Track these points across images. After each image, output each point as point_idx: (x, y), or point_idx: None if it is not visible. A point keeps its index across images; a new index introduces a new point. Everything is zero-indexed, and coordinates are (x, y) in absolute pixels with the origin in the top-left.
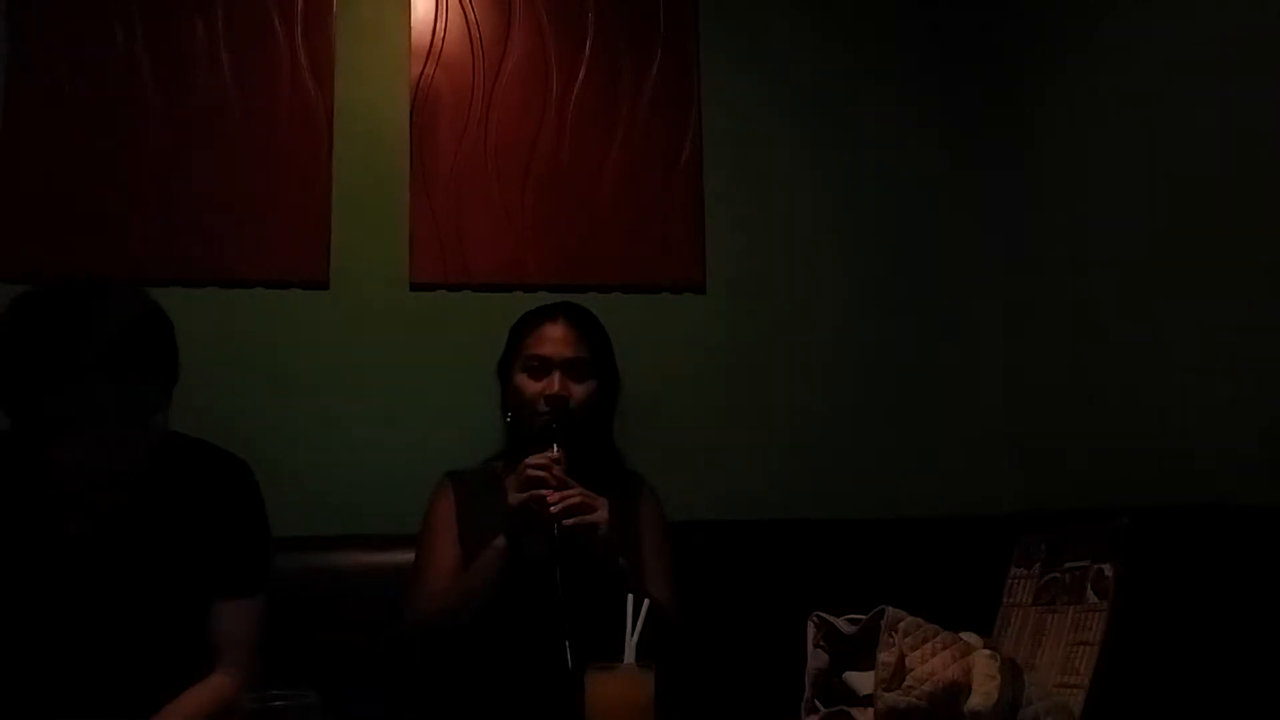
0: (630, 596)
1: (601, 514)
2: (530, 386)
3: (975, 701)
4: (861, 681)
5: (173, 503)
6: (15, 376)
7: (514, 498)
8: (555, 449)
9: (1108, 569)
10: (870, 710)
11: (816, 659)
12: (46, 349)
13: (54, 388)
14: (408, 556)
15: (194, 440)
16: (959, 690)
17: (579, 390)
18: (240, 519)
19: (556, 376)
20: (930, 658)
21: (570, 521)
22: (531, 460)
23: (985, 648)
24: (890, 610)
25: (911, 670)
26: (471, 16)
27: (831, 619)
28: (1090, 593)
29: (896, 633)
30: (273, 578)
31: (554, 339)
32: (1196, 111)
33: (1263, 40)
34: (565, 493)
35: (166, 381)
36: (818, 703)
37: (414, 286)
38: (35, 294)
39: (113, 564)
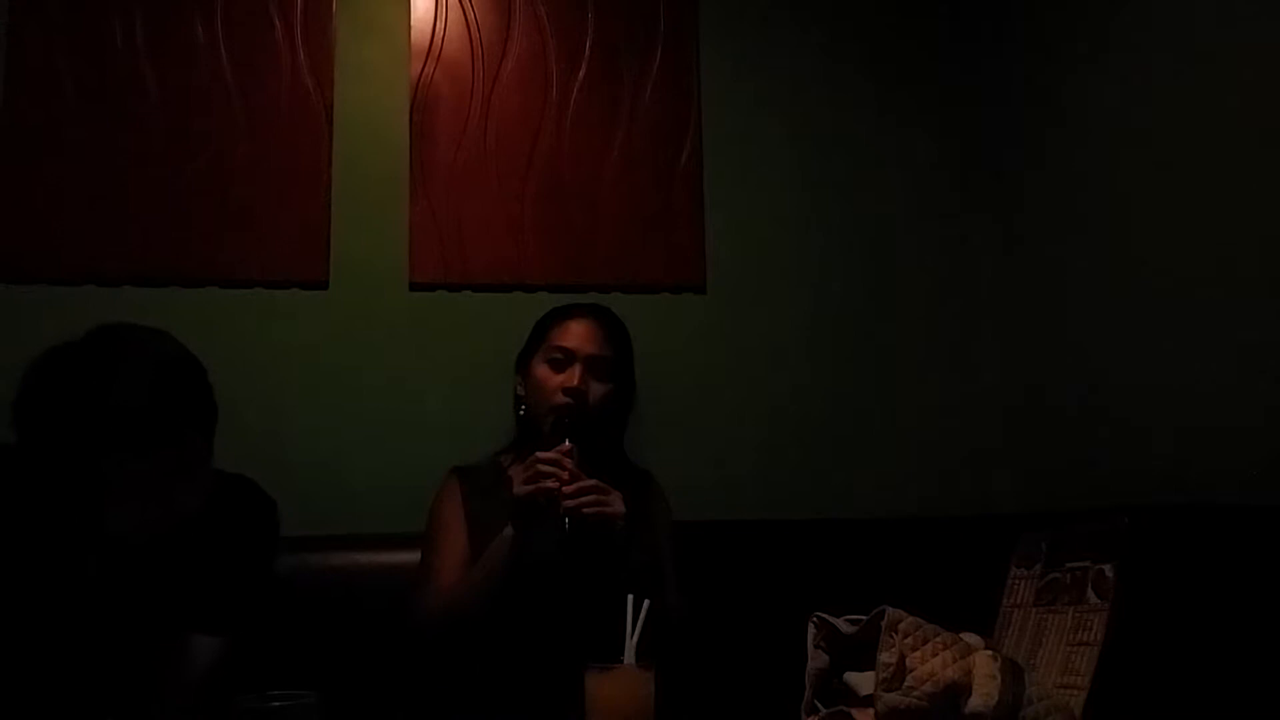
0: (630, 597)
1: (618, 506)
2: (551, 379)
3: (976, 702)
4: (862, 682)
5: (194, 540)
6: (49, 448)
7: (520, 489)
8: (567, 443)
9: (1109, 569)
10: (870, 711)
11: (816, 659)
12: (81, 415)
13: (92, 460)
14: (407, 556)
15: (232, 476)
16: (959, 691)
17: (598, 389)
18: (229, 555)
19: (578, 370)
20: (931, 658)
21: (589, 510)
22: (542, 454)
23: (986, 648)
24: (891, 610)
25: (912, 671)
26: (471, 15)
27: (832, 619)
28: (1091, 593)
29: (897, 633)
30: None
31: (581, 334)
32: (1204, 83)
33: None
34: (581, 483)
35: (207, 432)
36: (818, 703)
37: (413, 286)
38: (61, 355)
39: (125, 599)
